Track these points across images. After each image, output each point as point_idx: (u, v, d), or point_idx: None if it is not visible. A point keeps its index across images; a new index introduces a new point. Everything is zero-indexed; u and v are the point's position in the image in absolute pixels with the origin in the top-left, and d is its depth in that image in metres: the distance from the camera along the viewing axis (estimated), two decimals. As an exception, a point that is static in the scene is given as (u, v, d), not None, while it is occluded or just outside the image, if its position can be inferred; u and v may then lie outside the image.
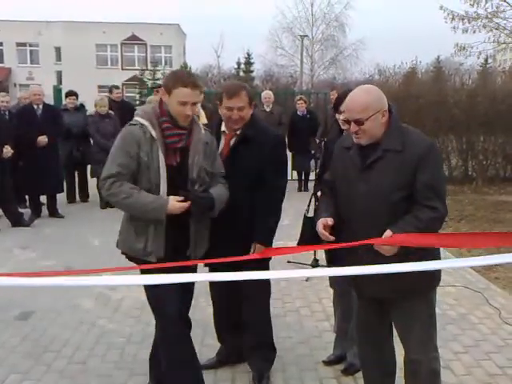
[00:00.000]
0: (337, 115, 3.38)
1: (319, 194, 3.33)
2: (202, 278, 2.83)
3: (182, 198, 2.76)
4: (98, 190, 8.95)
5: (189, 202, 2.77)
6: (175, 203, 2.75)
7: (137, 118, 2.84)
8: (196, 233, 2.94)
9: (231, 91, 3.11)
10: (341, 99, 3.28)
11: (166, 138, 2.81)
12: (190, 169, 2.85)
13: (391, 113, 2.57)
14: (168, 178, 2.80)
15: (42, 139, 7.78)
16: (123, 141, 2.82)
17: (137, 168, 2.80)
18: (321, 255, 5.46)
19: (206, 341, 3.83)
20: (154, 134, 2.78)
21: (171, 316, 2.88)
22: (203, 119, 8.85)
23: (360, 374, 3.38)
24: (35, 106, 7.97)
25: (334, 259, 3.39)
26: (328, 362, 3.64)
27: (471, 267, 5.66)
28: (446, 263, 2.50)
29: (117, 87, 10.26)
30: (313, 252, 5.53)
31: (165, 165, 2.79)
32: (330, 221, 2.62)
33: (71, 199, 9.27)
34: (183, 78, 2.78)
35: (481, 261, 2.62)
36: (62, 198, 8.74)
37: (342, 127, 3.31)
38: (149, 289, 2.95)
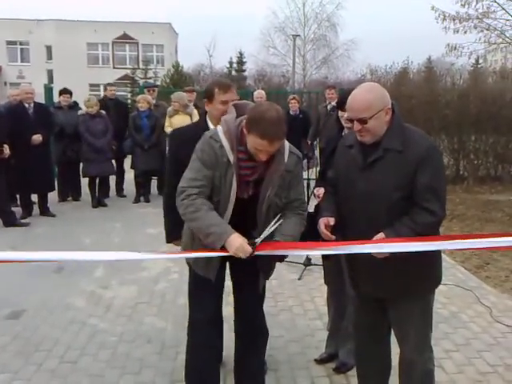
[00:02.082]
0: (340, 113, 3.36)
1: (316, 190, 3.33)
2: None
3: (247, 244, 2.51)
4: (90, 188, 8.96)
5: (249, 251, 2.51)
6: (235, 242, 2.50)
7: (220, 135, 2.62)
8: (263, 265, 2.80)
9: (226, 85, 3.08)
10: (346, 97, 3.27)
11: (240, 170, 2.61)
12: (260, 202, 2.65)
13: (394, 112, 2.56)
14: (234, 211, 2.63)
15: (37, 138, 7.76)
16: (203, 154, 2.62)
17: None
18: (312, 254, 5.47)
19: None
20: (231, 158, 2.59)
21: (197, 321, 2.89)
22: (197, 119, 8.84)
23: (352, 373, 3.39)
24: (26, 105, 7.92)
25: (328, 256, 3.40)
26: (320, 361, 3.64)
27: (463, 266, 5.71)
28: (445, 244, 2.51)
29: (111, 85, 10.24)
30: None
31: (235, 196, 2.62)
32: (331, 220, 2.62)
33: (63, 198, 9.23)
34: (264, 128, 2.44)
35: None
36: (53, 196, 8.70)
37: (345, 125, 3.30)
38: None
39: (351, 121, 2.54)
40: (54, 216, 8.17)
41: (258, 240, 2.55)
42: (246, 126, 2.53)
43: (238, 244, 2.50)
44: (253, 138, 2.49)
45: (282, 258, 2.83)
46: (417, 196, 2.46)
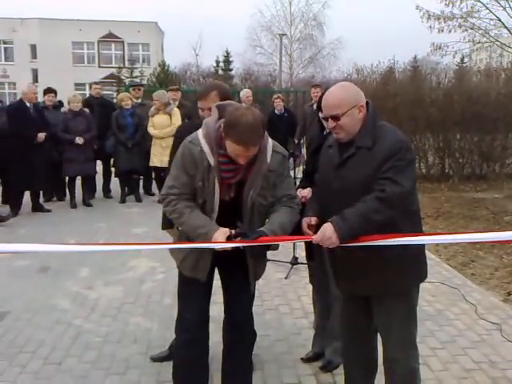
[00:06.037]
0: (321, 114, 3.36)
1: (299, 191, 3.33)
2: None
3: (228, 233, 2.54)
4: (69, 188, 8.88)
5: (236, 241, 2.54)
6: (219, 237, 2.53)
7: (199, 139, 2.62)
8: (254, 261, 2.80)
9: (201, 92, 3.14)
10: None
11: (221, 173, 2.60)
12: (244, 203, 2.64)
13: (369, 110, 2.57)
14: (221, 211, 2.63)
15: (42, 135, 7.90)
16: (182, 159, 2.63)
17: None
18: (299, 253, 5.47)
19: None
20: (212, 162, 2.58)
21: (185, 321, 2.87)
22: (176, 118, 8.77)
23: (338, 371, 3.40)
24: (28, 104, 7.96)
25: (313, 256, 3.40)
26: (306, 359, 3.63)
27: (448, 263, 5.75)
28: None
29: (96, 83, 10.17)
30: (292, 250, 5.54)
31: (219, 198, 2.62)
32: (313, 220, 2.63)
33: (48, 198, 9.16)
34: (239, 133, 2.43)
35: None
36: (38, 196, 8.63)
37: (325, 125, 3.31)
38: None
39: (326, 119, 2.56)
40: (49, 211, 8.31)
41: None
42: (223, 130, 2.53)
43: (217, 235, 2.53)
44: (229, 143, 2.49)
45: (274, 246, 2.82)
46: (376, 184, 2.43)
